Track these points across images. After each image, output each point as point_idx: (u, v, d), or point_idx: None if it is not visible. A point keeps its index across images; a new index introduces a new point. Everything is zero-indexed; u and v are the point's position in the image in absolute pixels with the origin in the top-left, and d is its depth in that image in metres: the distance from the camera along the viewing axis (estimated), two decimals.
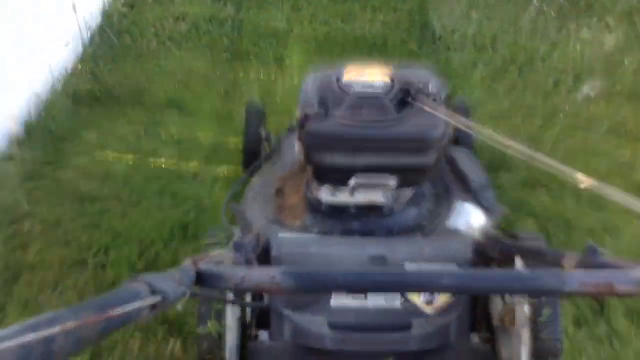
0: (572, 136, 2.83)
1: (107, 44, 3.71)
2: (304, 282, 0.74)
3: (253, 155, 2.24)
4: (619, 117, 2.97)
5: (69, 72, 3.32)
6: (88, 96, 3.19)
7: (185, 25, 4.07)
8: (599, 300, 0.93)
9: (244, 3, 4.48)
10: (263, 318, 1.45)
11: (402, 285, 0.77)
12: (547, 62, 3.44)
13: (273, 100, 3.30)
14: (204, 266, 0.75)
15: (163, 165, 2.72)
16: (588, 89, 3.20)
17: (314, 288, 0.80)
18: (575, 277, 0.73)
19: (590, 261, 0.82)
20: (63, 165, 2.68)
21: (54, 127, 2.87)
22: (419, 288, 0.83)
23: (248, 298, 1.40)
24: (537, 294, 1.06)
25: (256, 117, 2.43)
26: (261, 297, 1.40)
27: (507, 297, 1.28)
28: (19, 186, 2.48)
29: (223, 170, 2.72)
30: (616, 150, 2.75)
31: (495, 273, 0.82)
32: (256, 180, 1.85)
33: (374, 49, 3.84)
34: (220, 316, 1.30)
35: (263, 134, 2.35)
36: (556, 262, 0.92)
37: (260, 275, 0.76)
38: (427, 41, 3.89)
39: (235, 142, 2.90)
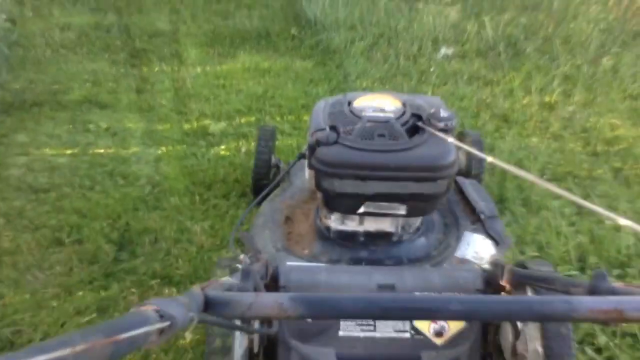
0: (443, 86, 3.50)
1: (1, 57, 3.73)
2: (313, 308, 0.74)
3: (263, 182, 2.22)
4: (473, 69, 3.71)
5: None
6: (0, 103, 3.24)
7: (72, 33, 4.19)
8: (608, 325, 0.91)
9: (123, 10, 4.68)
10: (270, 349, 1.44)
11: (411, 311, 0.76)
12: (409, 32, 4.11)
13: (183, 86, 3.60)
14: (211, 292, 0.75)
15: (104, 154, 2.91)
16: (445, 50, 3.92)
17: (322, 314, 0.78)
18: (584, 303, 0.72)
19: (599, 287, 0.80)
20: (4, 165, 2.77)
21: None
22: (427, 314, 0.80)
23: (256, 325, 1.37)
24: (546, 320, 1.05)
25: (266, 143, 2.39)
26: (269, 325, 1.36)
27: (519, 326, 1.28)
28: None
29: (162, 150, 2.98)
30: (478, 92, 3.46)
31: (503, 299, 0.82)
32: (265, 207, 1.82)
33: (260, 38, 4.26)
34: (228, 349, 1.27)
35: (273, 160, 2.38)
36: (565, 290, 0.92)
37: (268, 301, 0.74)
38: (304, 26, 4.41)
39: (164, 128, 3.17)
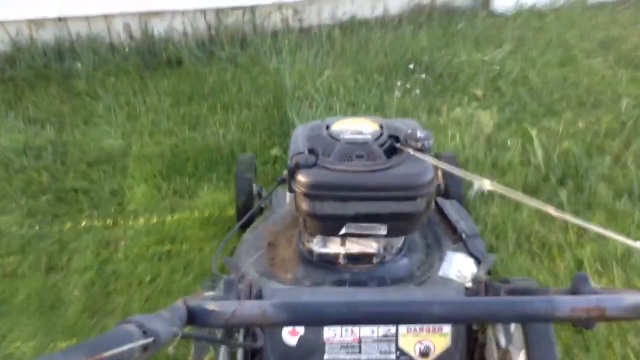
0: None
1: None
2: (296, 314, 0.74)
3: (246, 210, 2.25)
4: (522, 219, 2.62)
5: None
6: None
7: None
8: (589, 328, 0.76)
9: (66, 119, 3.72)
10: None
11: (394, 315, 0.77)
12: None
13: (113, 257, 2.59)
14: (194, 303, 0.74)
15: None
16: (479, 185, 2.84)
17: (305, 320, 0.78)
18: (566, 303, 0.73)
19: (580, 289, 0.82)
20: None
21: None
22: (410, 318, 0.80)
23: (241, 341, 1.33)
24: (528, 320, 1.05)
25: (247, 170, 2.42)
26: (254, 339, 1.29)
27: (502, 342, 1.25)
28: None
29: None
30: (532, 266, 2.38)
31: (485, 300, 0.83)
32: (247, 235, 1.82)
33: (232, 162, 3.25)
34: None
35: (255, 188, 2.40)
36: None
37: (251, 308, 0.75)
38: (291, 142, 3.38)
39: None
